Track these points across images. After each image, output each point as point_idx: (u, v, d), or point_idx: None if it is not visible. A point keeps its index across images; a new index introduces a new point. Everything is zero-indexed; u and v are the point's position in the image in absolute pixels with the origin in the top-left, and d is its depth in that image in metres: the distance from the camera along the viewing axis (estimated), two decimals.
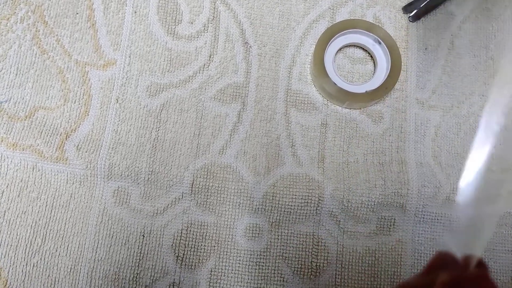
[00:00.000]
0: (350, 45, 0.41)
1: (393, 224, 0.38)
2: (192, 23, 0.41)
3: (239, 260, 0.37)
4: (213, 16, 0.42)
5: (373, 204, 0.38)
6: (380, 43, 0.39)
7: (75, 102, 0.40)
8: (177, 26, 0.41)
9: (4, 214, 0.37)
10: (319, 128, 0.40)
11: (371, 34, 0.39)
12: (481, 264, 0.23)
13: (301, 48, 0.41)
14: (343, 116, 0.40)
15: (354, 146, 0.39)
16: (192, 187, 0.38)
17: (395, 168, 0.39)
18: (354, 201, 0.38)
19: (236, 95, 0.40)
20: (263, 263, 0.37)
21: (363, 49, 0.41)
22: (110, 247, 0.37)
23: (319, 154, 0.39)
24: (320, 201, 0.38)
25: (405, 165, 0.39)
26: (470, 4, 0.42)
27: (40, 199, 0.38)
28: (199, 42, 0.41)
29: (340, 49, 0.41)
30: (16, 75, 0.40)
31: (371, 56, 0.41)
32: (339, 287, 0.37)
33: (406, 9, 0.41)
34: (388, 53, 0.39)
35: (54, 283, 0.37)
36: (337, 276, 0.37)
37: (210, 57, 0.41)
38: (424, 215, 0.38)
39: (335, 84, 0.38)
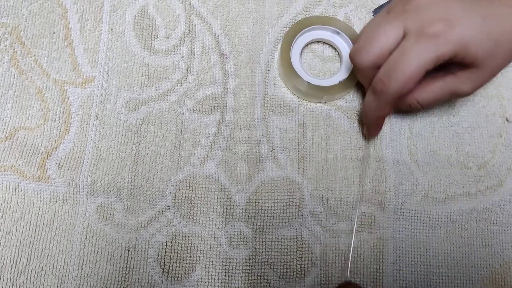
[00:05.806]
0: (313, 42, 0.42)
1: (374, 222, 0.39)
2: (168, 37, 0.42)
3: (225, 269, 0.38)
4: (189, 30, 0.42)
5: (351, 201, 0.39)
6: (338, 33, 0.41)
7: (55, 120, 0.40)
8: (153, 41, 0.42)
9: None
10: (297, 129, 0.40)
11: (328, 27, 0.41)
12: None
13: (275, 52, 0.42)
14: (319, 115, 0.41)
15: (332, 142, 0.40)
16: (175, 199, 0.39)
17: (373, 165, 0.40)
18: (333, 199, 0.39)
19: (215, 106, 0.41)
20: (249, 270, 0.38)
21: (332, 46, 0.42)
22: (95, 263, 0.37)
23: (298, 155, 0.40)
24: (301, 202, 0.39)
25: (382, 162, 0.40)
26: None
27: (24, 219, 0.38)
28: (176, 56, 0.42)
29: (306, 47, 0.42)
30: None
31: (338, 53, 0.42)
32: (324, 285, 0.37)
33: (376, 11, 0.43)
34: (350, 41, 0.40)
35: None
36: (321, 275, 0.37)
37: (187, 70, 0.42)
38: (403, 212, 0.39)
39: (308, 82, 0.39)
